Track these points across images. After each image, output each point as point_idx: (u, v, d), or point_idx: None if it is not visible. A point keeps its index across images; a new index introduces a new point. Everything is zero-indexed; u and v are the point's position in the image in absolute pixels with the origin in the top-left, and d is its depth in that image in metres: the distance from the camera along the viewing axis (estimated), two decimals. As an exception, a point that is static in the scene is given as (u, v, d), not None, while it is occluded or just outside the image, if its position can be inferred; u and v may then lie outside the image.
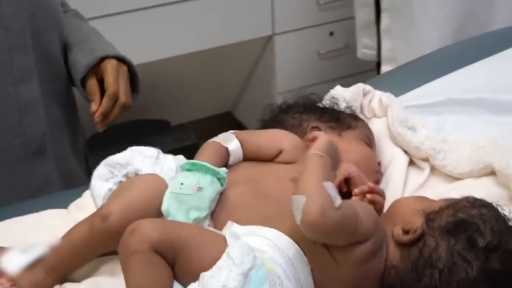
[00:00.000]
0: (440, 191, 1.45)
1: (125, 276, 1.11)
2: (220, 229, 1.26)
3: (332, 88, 1.67)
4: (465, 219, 1.20)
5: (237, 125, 3.37)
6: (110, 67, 1.63)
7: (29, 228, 1.46)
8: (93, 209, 1.37)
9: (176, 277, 1.12)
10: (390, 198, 1.45)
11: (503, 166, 1.40)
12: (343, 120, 1.52)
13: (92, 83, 1.64)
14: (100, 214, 1.27)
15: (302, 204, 1.12)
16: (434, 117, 1.67)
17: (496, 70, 1.81)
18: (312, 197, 1.13)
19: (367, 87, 1.68)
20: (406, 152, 1.56)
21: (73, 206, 1.52)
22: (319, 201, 1.12)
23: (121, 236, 1.26)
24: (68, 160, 1.78)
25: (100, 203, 1.34)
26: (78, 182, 1.76)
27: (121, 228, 1.25)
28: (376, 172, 1.48)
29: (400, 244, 1.23)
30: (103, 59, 1.64)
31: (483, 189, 1.42)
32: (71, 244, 1.28)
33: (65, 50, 1.72)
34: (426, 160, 1.53)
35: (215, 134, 1.43)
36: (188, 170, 1.30)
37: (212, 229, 1.24)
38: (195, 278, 1.10)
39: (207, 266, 1.10)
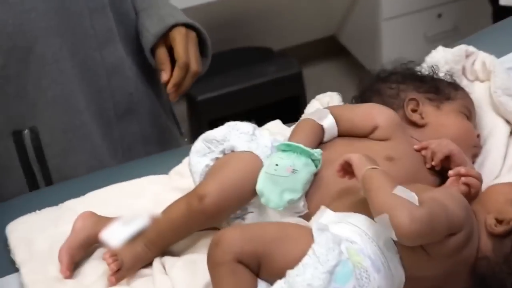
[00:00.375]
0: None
1: (213, 285, 1.16)
2: (314, 210, 1.28)
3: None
4: None
5: (340, 49, 3.34)
6: (179, 35, 1.61)
7: (132, 194, 1.52)
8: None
9: (263, 276, 1.15)
10: (488, 172, 1.44)
11: None
12: (443, 91, 1.48)
13: (162, 52, 1.63)
14: (196, 194, 1.31)
15: (388, 221, 1.12)
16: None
17: None
18: (393, 210, 1.12)
19: (471, 48, 1.62)
20: (507, 122, 1.51)
21: (173, 172, 1.56)
22: (402, 210, 1.12)
23: (217, 216, 1.32)
24: (161, 116, 1.80)
25: (197, 178, 1.38)
26: (172, 137, 1.80)
27: (218, 208, 1.31)
28: (475, 147, 1.45)
29: (493, 235, 1.22)
30: (172, 26, 1.62)
31: None
32: (169, 222, 1.33)
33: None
34: (529, 131, 1.49)
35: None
36: (283, 150, 1.31)
37: (297, 221, 1.25)
38: (281, 275, 1.12)
39: (293, 263, 1.12)
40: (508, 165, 1.45)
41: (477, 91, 1.57)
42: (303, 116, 1.44)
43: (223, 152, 1.38)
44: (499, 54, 1.65)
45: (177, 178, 1.54)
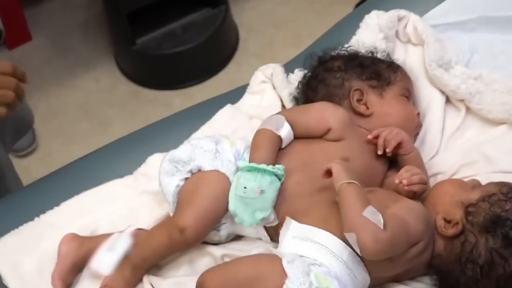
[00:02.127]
0: (476, 142, 1.56)
1: None
2: (283, 217, 1.42)
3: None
4: (499, 215, 1.35)
5: None
6: None
7: (105, 201, 1.60)
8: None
9: None
10: (429, 148, 1.59)
11: (536, 121, 1.50)
12: (383, 75, 1.58)
13: None
14: (177, 227, 1.42)
15: (355, 239, 1.29)
16: (466, 36, 1.71)
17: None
18: (359, 230, 1.29)
19: (402, 12, 1.70)
20: (443, 92, 1.64)
21: (139, 174, 1.64)
22: (367, 232, 1.28)
23: (198, 242, 1.46)
24: None
25: (170, 198, 1.48)
26: None
27: (198, 237, 1.45)
28: (416, 127, 1.58)
29: (443, 235, 1.39)
30: None
31: (517, 141, 1.54)
32: (152, 249, 1.45)
33: None
34: (462, 100, 1.62)
35: None
36: (248, 171, 1.42)
37: (266, 248, 1.39)
38: None
39: None
40: (446, 138, 1.60)
41: (413, 60, 1.67)
42: (260, 125, 1.52)
43: (190, 171, 1.48)
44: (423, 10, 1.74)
45: (144, 181, 1.62)
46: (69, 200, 1.62)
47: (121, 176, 1.65)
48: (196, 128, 1.67)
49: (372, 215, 1.30)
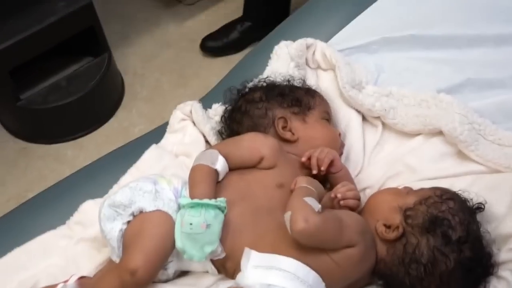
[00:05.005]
0: (397, 154, 1.65)
1: None
2: (229, 251, 1.45)
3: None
4: (437, 216, 1.44)
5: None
6: None
7: (40, 255, 1.58)
8: (95, 225, 1.52)
9: None
10: (354, 165, 1.67)
11: (450, 130, 1.60)
12: (303, 101, 1.64)
13: None
14: (127, 270, 1.41)
15: (289, 217, 1.36)
16: (371, 57, 1.81)
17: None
18: (295, 209, 1.38)
19: (310, 40, 1.78)
20: (358, 111, 1.72)
21: (73, 222, 1.62)
22: (301, 211, 1.37)
23: (148, 283, 1.45)
24: None
25: (115, 244, 1.47)
26: None
27: (149, 277, 1.45)
28: (340, 147, 1.65)
29: (385, 240, 1.46)
30: None
31: (434, 148, 1.64)
32: None
33: None
34: (377, 117, 1.71)
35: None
36: (191, 207, 1.44)
37: (234, 285, 1.41)
38: None
39: None
40: (368, 153, 1.68)
41: (325, 84, 1.75)
42: (195, 161, 1.54)
43: (132, 214, 1.48)
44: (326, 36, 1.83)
45: (79, 229, 1.60)
46: (3, 258, 1.58)
47: (54, 227, 1.63)
48: (123, 171, 1.68)
49: (311, 201, 1.39)
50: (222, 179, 1.54)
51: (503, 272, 1.46)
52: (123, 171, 1.68)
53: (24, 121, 2.95)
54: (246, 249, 1.42)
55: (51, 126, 2.94)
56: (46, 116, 2.89)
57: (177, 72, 3.08)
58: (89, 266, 1.54)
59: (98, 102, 2.95)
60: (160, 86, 3.05)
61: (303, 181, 1.46)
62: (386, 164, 1.64)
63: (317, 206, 1.39)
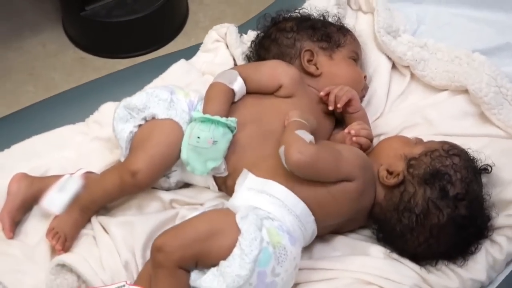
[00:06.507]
0: (419, 106, 1.64)
1: (153, 283, 1.33)
2: (232, 170, 1.48)
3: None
4: (439, 169, 1.42)
5: None
6: None
7: (55, 145, 1.63)
8: (111, 126, 1.55)
9: (199, 267, 1.33)
10: (374, 109, 1.66)
11: (476, 89, 1.58)
12: (333, 38, 1.64)
13: None
14: (129, 170, 1.46)
15: (283, 151, 1.37)
16: (414, 7, 1.78)
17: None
18: (288, 142, 1.38)
19: (355, -21, 1.77)
20: (389, 57, 1.71)
21: (91, 121, 1.67)
22: (295, 143, 1.38)
23: (148, 186, 1.50)
24: None
25: (123, 144, 1.51)
26: None
27: (149, 181, 1.49)
28: (363, 90, 1.64)
29: (385, 185, 1.46)
30: None
31: (457, 105, 1.62)
32: (103, 191, 1.49)
33: None
34: (407, 67, 1.69)
35: None
36: (202, 121, 1.46)
37: (220, 204, 1.44)
38: (215, 264, 1.31)
39: (225, 254, 1.30)
40: (390, 101, 1.67)
41: (362, 27, 1.74)
42: (214, 79, 1.56)
43: (144, 119, 1.51)
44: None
45: (96, 128, 1.65)
46: (20, 143, 1.64)
47: (73, 122, 1.67)
48: (149, 80, 1.71)
49: (303, 134, 1.39)
50: (238, 100, 1.55)
51: (498, 237, 1.45)
52: (150, 81, 1.71)
53: (85, 31, 3.01)
54: (244, 170, 1.45)
55: (111, 40, 2.98)
56: (107, 29, 2.93)
57: (242, 7, 3.08)
58: (99, 164, 1.59)
59: (160, 24, 2.98)
60: (223, 18, 3.05)
61: (294, 115, 1.46)
62: (406, 114, 1.64)
63: (308, 138, 1.39)
